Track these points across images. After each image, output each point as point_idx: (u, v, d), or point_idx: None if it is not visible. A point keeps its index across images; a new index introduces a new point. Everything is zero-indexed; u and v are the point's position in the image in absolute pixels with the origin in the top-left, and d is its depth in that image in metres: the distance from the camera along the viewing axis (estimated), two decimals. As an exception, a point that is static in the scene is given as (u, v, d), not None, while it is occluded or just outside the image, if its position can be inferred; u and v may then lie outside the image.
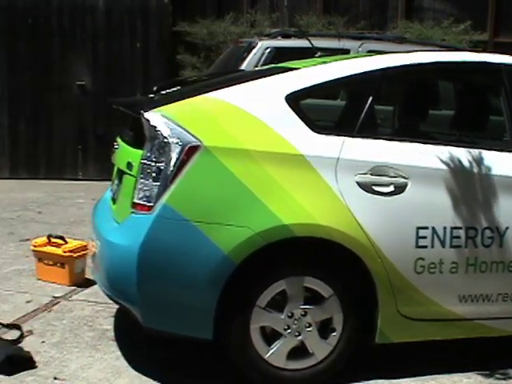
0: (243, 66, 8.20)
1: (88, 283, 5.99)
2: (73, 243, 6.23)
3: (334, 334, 4.30)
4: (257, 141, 4.12)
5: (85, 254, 6.07)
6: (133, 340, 4.95)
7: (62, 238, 6.26)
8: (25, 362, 4.54)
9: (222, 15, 12.44)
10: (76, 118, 11.79)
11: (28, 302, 5.69)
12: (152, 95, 4.95)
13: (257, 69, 7.40)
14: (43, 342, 4.91)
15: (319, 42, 6.97)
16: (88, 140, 11.82)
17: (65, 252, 6.07)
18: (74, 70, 11.72)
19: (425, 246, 4.28)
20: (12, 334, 4.93)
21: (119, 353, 4.77)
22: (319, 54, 5.77)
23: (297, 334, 4.24)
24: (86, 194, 10.00)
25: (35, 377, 4.42)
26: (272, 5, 13.28)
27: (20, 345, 4.78)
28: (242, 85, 4.50)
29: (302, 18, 12.05)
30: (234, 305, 4.13)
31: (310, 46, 6.14)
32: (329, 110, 5.54)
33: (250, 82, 4.53)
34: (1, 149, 11.88)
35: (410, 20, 12.05)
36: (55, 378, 4.39)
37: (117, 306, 5.04)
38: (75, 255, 6.08)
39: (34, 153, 11.88)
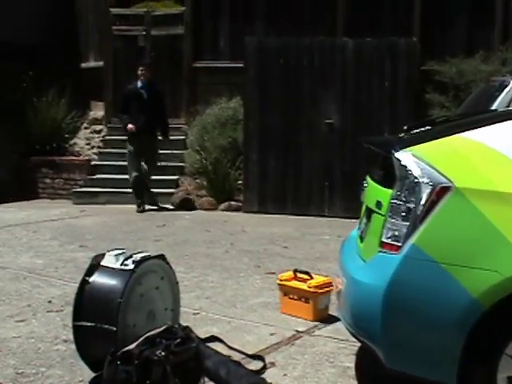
0: (495, 106, 8.02)
1: (331, 319, 6.03)
2: (318, 279, 6.32)
3: None
4: (510, 183, 4.00)
5: (329, 291, 6.15)
6: (374, 379, 4.92)
7: (307, 273, 6.36)
8: (267, 393, 4.66)
9: (472, 53, 12.28)
10: (323, 155, 12.03)
11: (271, 334, 5.82)
12: (402, 134, 4.94)
13: (510, 108, 7.20)
14: (285, 374, 5.00)
15: None
16: (335, 177, 11.99)
17: (310, 287, 6.16)
18: (322, 108, 11.98)
19: None
20: (255, 365, 5.06)
21: (360, 391, 4.77)
22: None
23: (548, 387, 4.03)
24: (332, 230, 10.11)
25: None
26: (524, 42, 12.94)
27: (262, 376, 4.90)
28: (495, 125, 4.37)
29: (556, 54, 11.67)
30: (481, 351, 3.97)
31: None
32: None
33: (504, 123, 4.40)
34: (250, 184, 12.33)
35: None
36: (295, 412, 4.47)
37: (359, 344, 5.03)
38: (320, 291, 6.16)
39: (282, 188, 12.21)
